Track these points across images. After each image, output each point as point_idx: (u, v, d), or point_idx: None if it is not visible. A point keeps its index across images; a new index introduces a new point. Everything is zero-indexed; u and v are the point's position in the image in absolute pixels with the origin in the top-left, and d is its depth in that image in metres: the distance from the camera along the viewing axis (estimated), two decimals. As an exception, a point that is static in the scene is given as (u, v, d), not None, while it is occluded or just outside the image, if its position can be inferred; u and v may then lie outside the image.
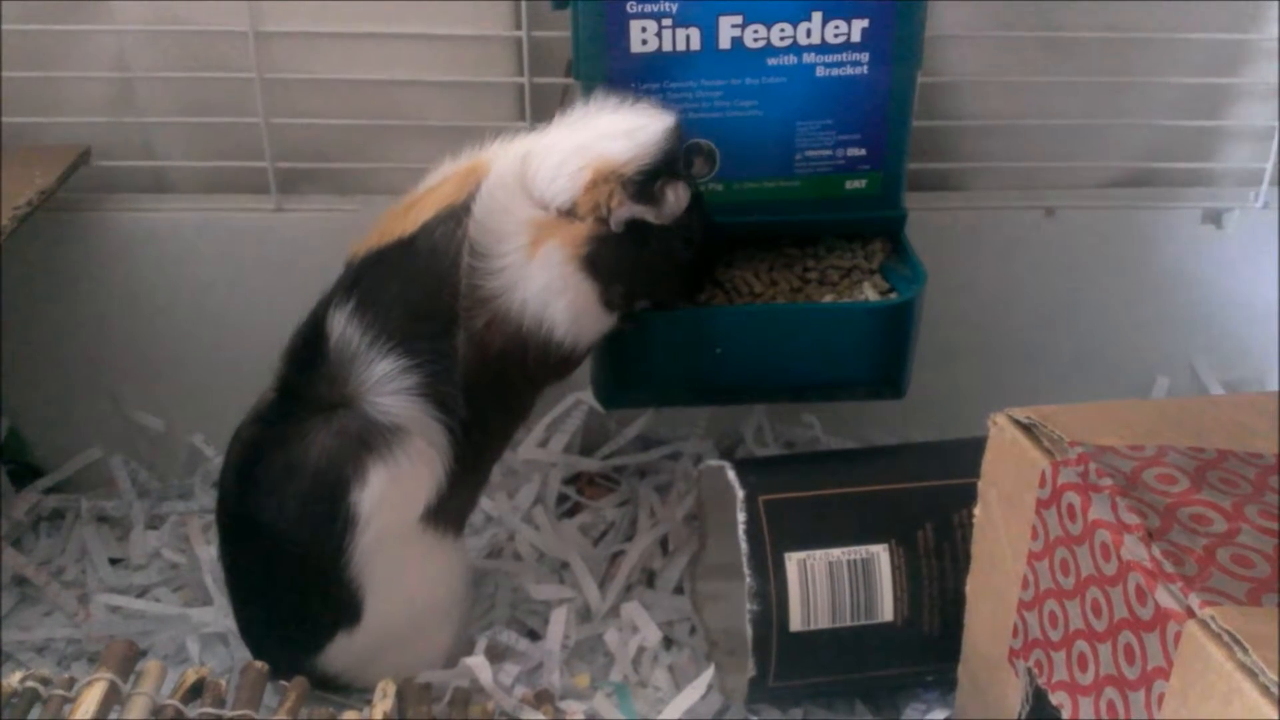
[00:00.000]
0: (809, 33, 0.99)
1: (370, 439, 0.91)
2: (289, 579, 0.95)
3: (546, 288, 0.92)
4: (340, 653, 0.98)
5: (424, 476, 0.94)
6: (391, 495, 0.92)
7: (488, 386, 0.94)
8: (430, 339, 0.91)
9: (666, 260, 0.98)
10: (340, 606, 0.96)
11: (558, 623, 1.10)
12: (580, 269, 0.93)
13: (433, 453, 0.93)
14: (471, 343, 0.92)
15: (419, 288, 0.92)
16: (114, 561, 1.23)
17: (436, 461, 0.94)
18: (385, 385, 0.91)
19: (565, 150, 0.92)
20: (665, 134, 0.92)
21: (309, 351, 0.94)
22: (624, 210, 0.91)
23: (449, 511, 0.98)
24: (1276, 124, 1.29)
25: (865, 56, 0.99)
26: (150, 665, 0.87)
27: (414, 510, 0.95)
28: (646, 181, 0.91)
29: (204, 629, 1.13)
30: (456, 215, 0.91)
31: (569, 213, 0.92)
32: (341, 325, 0.92)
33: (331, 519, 0.92)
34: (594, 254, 0.92)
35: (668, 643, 1.14)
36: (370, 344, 0.91)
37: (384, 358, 0.91)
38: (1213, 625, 0.63)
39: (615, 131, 0.92)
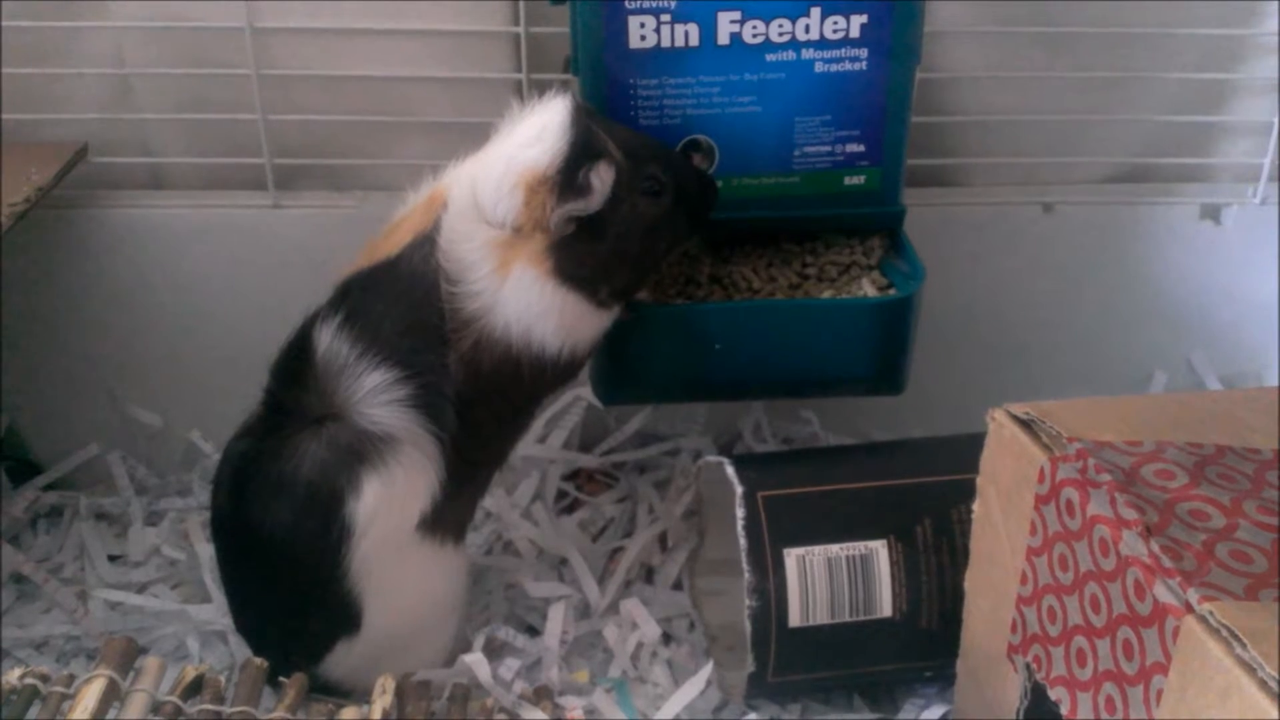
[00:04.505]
0: (807, 28, 0.99)
1: (362, 449, 0.91)
2: (287, 590, 0.95)
3: (529, 309, 0.92)
4: (340, 660, 0.98)
5: (418, 486, 0.94)
6: (386, 505, 0.92)
7: (483, 402, 0.94)
8: (421, 353, 0.91)
9: (640, 227, 0.94)
10: (339, 615, 0.96)
11: (556, 619, 1.10)
12: (559, 284, 0.92)
13: (426, 462, 0.93)
14: (462, 363, 0.92)
15: (406, 304, 0.92)
16: (113, 558, 1.23)
17: (430, 471, 0.94)
18: (376, 397, 0.91)
19: (497, 169, 0.91)
20: (568, 121, 0.91)
21: (295, 365, 0.94)
22: (559, 214, 0.90)
23: (447, 520, 0.98)
24: (1275, 120, 1.29)
25: (864, 52, 0.99)
26: (149, 662, 0.87)
27: (409, 519, 0.95)
28: (570, 175, 0.90)
29: (203, 626, 1.13)
30: (429, 241, 0.92)
31: (521, 230, 0.91)
32: (329, 338, 0.92)
33: (327, 529, 0.92)
34: (562, 264, 0.92)
35: (667, 638, 1.14)
36: (359, 356, 0.91)
37: (374, 370, 0.91)
38: (1211, 620, 0.63)
39: (527, 138, 0.91)
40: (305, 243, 1.25)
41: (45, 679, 0.84)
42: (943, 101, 1.30)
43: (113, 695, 0.84)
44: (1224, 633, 0.62)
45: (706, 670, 1.05)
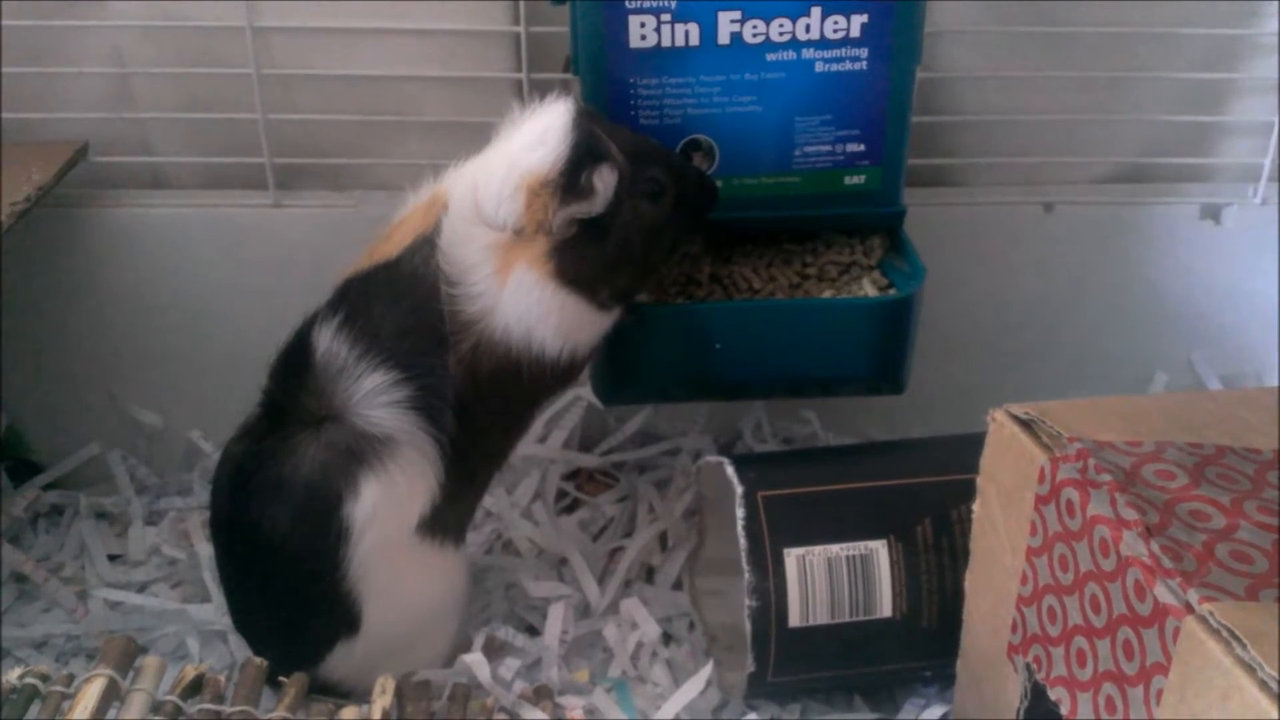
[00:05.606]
0: (808, 28, 0.99)
1: (360, 451, 0.91)
2: (287, 591, 0.95)
3: (529, 311, 0.92)
4: (340, 662, 0.98)
5: (417, 487, 0.94)
6: (385, 506, 0.92)
7: (483, 404, 0.94)
8: (420, 355, 0.91)
9: (642, 229, 0.95)
10: (338, 617, 0.96)
11: (556, 618, 1.10)
12: (560, 286, 0.92)
13: (425, 464, 0.93)
14: (461, 365, 0.92)
15: (406, 306, 0.92)
16: (113, 558, 1.23)
17: (429, 472, 0.94)
18: (375, 398, 0.91)
19: (499, 172, 0.91)
20: (570, 124, 0.91)
21: (294, 366, 0.94)
22: (561, 217, 0.90)
23: (446, 521, 0.98)
24: (1275, 119, 1.29)
25: (864, 52, 0.99)
26: (149, 661, 0.87)
27: (408, 521, 0.95)
28: (572, 178, 0.90)
29: (203, 625, 1.13)
30: (429, 243, 0.92)
31: (522, 233, 0.91)
32: (328, 340, 0.92)
33: (325, 531, 0.92)
34: (563, 266, 0.92)
35: (667, 638, 1.14)
36: (359, 358, 0.91)
37: (374, 371, 0.91)
38: (1211, 621, 0.63)
39: (530, 141, 0.91)
40: (305, 243, 1.25)
41: (45, 678, 0.84)
42: (943, 101, 1.30)
43: (112, 695, 0.84)
44: (1224, 633, 0.62)
45: (706, 670, 1.05)
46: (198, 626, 1.13)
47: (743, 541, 0.99)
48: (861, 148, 1.03)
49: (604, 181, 0.90)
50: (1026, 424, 0.81)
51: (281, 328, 0.96)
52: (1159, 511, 0.71)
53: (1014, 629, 0.83)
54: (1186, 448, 0.77)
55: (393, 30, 1.22)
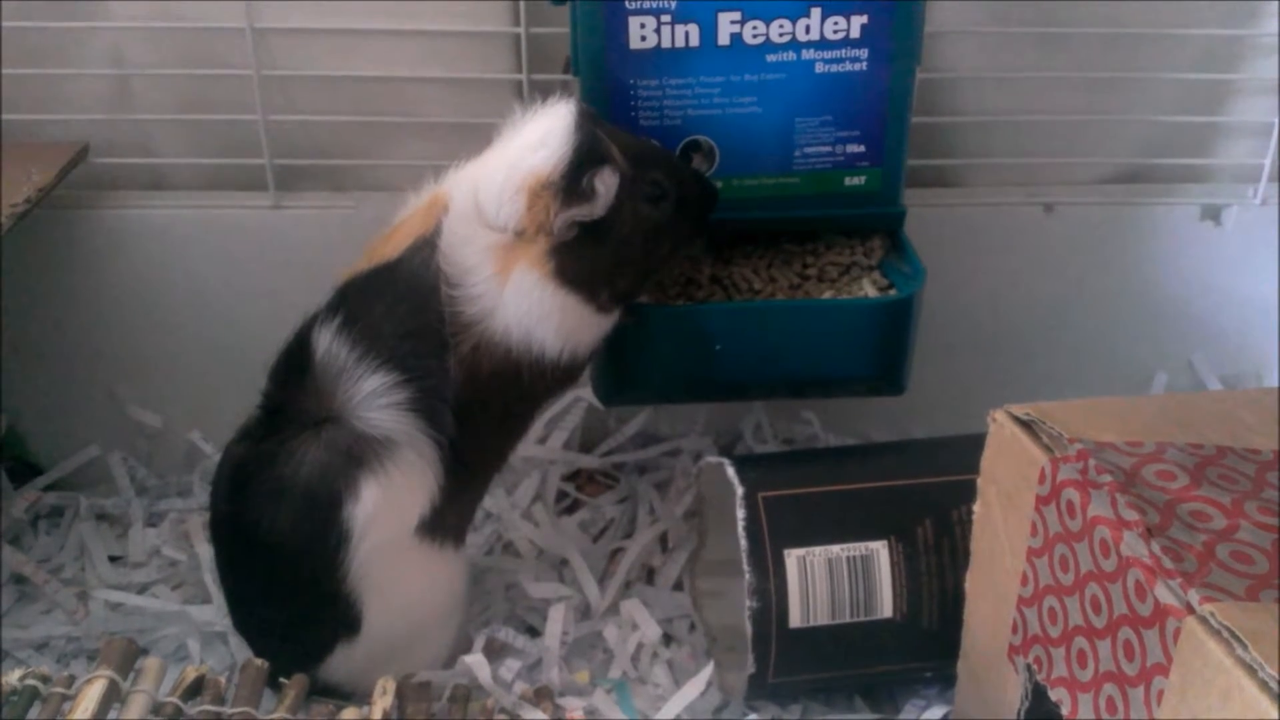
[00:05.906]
0: (808, 29, 0.99)
1: (360, 453, 0.91)
2: (287, 593, 0.95)
3: (529, 312, 0.92)
4: (340, 663, 0.98)
5: (416, 489, 0.94)
6: (385, 508, 0.92)
7: (482, 406, 0.94)
8: (420, 356, 0.91)
9: (643, 232, 0.95)
10: (339, 619, 0.96)
11: (556, 620, 1.10)
12: (559, 286, 0.92)
13: (424, 465, 0.93)
14: (461, 366, 0.92)
15: (406, 308, 0.92)
16: (113, 559, 1.23)
17: (429, 474, 0.94)
18: (375, 400, 0.91)
19: (500, 174, 0.91)
20: (572, 126, 0.91)
21: (294, 368, 0.94)
22: (562, 218, 0.90)
23: (446, 522, 0.98)
24: (1275, 120, 1.29)
25: (864, 53, 0.99)
26: (150, 663, 0.87)
27: (408, 522, 0.95)
28: (574, 180, 0.90)
29: (204, 627, 1.13)
30: (429, 245, 0.92)
31: (522, 234, 0.91)
32: (327, 341, 0.92)
33: (325, 533, 0.92)
34: (563, 266, 0.92)
35: (667, 639, 1.14)
36: (359, 359, 0.91)
37: (373, 373, 0.91)
38: (1212, 621, 0.63)
39: (532, 142, 0.92)
40: (305, 243, 1.25)
41: (46, 680, 0.84)
42: (943, 101, 1.30)
43: (113, 696, 0.84)
44: (1225, 634, 0.62)
45: (707, 671, 1.05)
46: (198, 628, 1.13)
47: (743, 542, 0.99)
48: (862, 148, 1.04)
49: (605, 184, 0.91)
50: (1027, 424, 0.81)
51: (281, 328, 0.96)
52: (1159, 512, 0.71)
53: (1014, 630, 0.83)
54: (1187, 448, 0.77)
55: (393, 31, 1.22)
